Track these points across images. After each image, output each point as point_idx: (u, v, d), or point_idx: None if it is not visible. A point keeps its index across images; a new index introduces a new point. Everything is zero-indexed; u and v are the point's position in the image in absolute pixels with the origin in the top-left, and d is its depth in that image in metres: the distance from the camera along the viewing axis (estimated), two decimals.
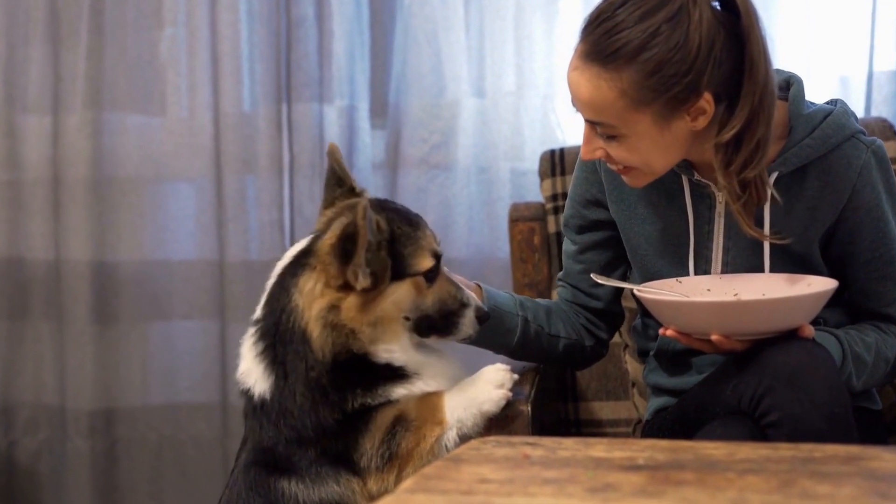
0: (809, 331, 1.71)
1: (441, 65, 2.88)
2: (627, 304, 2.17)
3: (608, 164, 1.83)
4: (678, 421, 1.85)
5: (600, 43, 1.68)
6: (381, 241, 1.68)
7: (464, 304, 1.76)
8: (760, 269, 1.84)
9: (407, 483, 1.24)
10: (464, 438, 1.69)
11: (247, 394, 1.74)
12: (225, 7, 2.94)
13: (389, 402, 1.70)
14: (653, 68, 1.66)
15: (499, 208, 2.87)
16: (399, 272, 1.70)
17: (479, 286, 1.95)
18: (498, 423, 1.74)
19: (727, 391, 1.70)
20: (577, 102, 1.75)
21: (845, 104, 1.87)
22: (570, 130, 2.84)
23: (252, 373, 1.73)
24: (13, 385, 3.13)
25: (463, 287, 1.80)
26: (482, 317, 1.78)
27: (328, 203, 1.84)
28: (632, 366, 2.32)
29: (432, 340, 1.78)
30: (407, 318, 1.73)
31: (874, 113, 2.66)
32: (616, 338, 2.21)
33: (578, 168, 2.02)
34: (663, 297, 1.79)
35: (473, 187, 2.90)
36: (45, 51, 3.03)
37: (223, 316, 3.02)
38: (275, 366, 1.70)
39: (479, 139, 2.89)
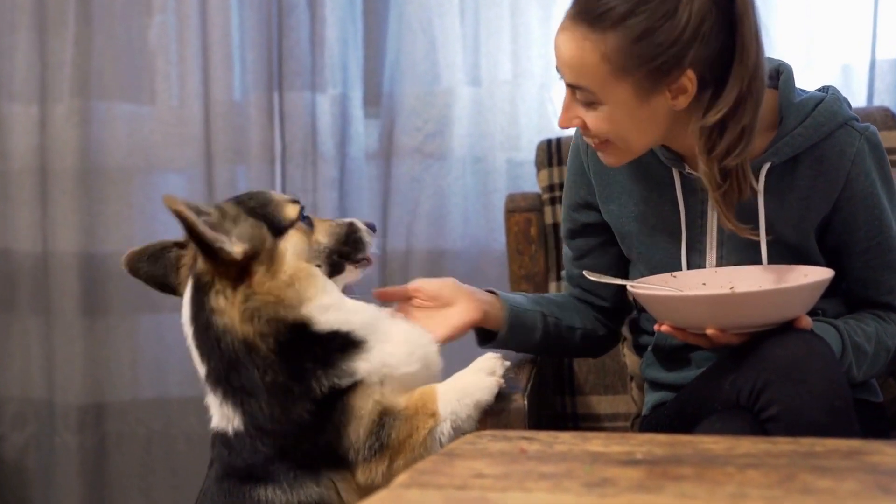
0: (807, 322, 1.70)
1: (436, 52, 2.88)
2: None
3: (585, 138, 1.83)
4: (677, 416, 1.84)
5: (590, 4, 1.69)
6: (236, 216, 1.69)
7: (350, 224, 1.81)
8: (756, 263, 1.83)
9: (401, 478, 1.22)
10: (458, 431, 1.68)
11: (223, 436, 1.70)
12: None
13: (360, 385, 1.66)
14: (638, 35, 1.65)
15: (495, 199, 2.86)
16: (276, 230, 1.71)
17: (493, 292, 1.97)
18: (494, 416, 1.73)
19: (726, 386, 1.69)
20: (561, 64, 1.74)
21: (837, 91, 1.86)
22: None
23: (222, 418, 1.70)
24: (0, 379, 3.12)
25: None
26: (370, 224, 1.82)
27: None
28: (630, 359, 2.30)
29: (351, 273, 1.79)
30: (318, 267, 1.74)
31: (876, 102, 2.66)
32: None
33: (569, 172, 2.04)
34: (657, 291, 1.77)
35: (469, 177, 2.90)
36: (32, 38, 3.02)
37: None
38: (236, 398, 1.67)
39: (474, 128, 2.89)
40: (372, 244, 1.81)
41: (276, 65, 2.94)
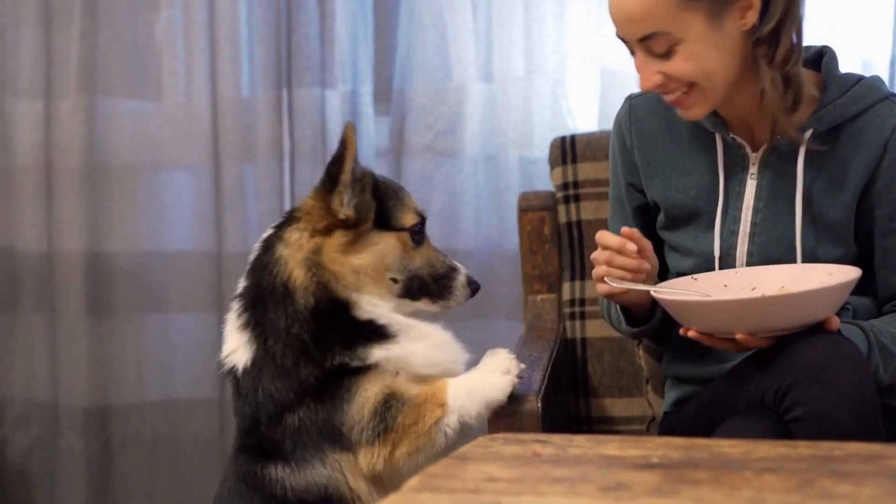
0: (835, 323, 1.69)
1: (447, 48, 2.86)
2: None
3: (665, 97, 1.84)
4: (699, 415, 1.85)
5: None
6: (365, 185, 1.76)
7: (454, 269, 1.84)
8: (789, 234, 1.86)
9: (412, 481, 1.22)
10: (465, 426, 1.69)
11: (232, 372, 1.76)
12: None
13: (367, 368, 1.71)
14: None
15: (507, 197, 2.85)
16: (383, 223, 1.77)
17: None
18: (506, 419, 1.73)
19: (750, 385, 1.70)
20: (625, 23, 1.77)
21: (878, 76, 1.94)
22: (581, 117, 2.84)
23: (235, 347, 1.76)
24: (4, 380, 3.11)
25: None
26: (474, 286, 1.84)
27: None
28: (646, 361, 2.28)
29: (426, 305, 1.82)
30: (395, 281, 1.78)
31: None
32: None
33: (611, 156, 2.05)
34: (684, 297, 1.75)
35: (481, 175, 2.88)
36: (37, 33, 3.00)
37: (221, 309, 2.95)
38: (256, 330, 1.74)
39: (486, 125, 2.87)
40: (462, 300, 1.83)
41: (284, 60, 2.92)
